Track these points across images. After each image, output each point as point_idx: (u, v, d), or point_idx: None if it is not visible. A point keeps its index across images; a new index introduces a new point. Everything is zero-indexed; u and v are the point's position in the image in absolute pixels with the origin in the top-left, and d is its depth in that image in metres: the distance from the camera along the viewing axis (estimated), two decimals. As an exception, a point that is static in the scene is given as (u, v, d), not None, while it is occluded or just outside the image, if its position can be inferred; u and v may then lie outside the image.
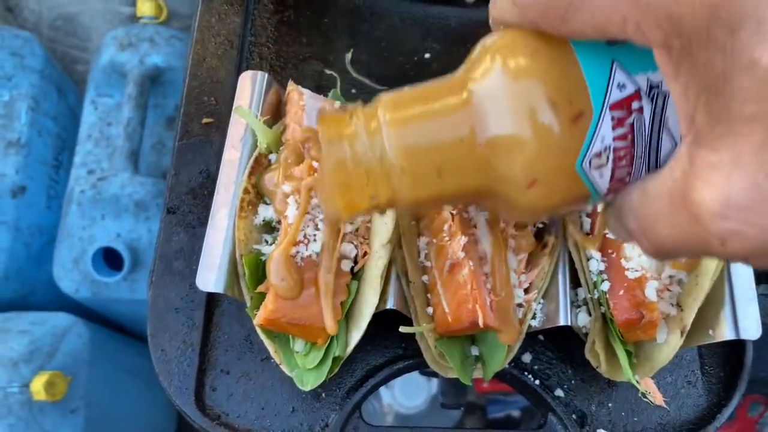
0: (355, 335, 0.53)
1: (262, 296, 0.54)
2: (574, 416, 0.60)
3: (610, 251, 0.55)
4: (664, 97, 0.30)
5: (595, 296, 0.55)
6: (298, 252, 0.53)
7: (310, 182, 0.54)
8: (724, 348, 0.63)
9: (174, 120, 1.37)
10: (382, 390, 1.37)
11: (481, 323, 0.51)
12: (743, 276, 0.55)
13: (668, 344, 0.55)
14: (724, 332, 0.54)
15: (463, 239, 0.53)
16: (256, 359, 0.60)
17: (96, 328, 1.27)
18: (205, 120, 0.67)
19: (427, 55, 0.75)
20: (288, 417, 0.58)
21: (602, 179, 0.31)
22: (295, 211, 0.54)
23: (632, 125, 0.30)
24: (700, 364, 0.63)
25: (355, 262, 0.56)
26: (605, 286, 0.55)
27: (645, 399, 0.56)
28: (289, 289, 0.52)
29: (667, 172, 0.28)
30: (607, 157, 0.30)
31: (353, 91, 0.72)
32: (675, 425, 0.60)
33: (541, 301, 0.56)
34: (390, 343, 0.61)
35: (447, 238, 0.54)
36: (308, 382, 0.54)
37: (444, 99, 0.33)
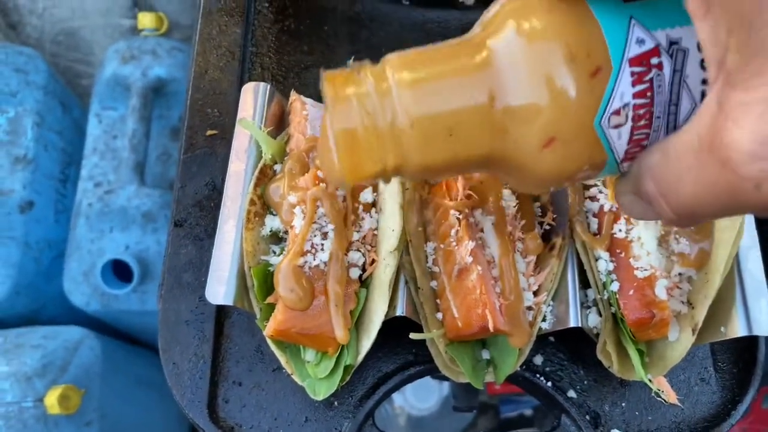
0: (366, 343, 0.53)
1: (272, 307, 0.54)
2: (587, 417, 0.60)
3: (618, 251, 0.55)
4: (684, 54, 0.30)
5: (605, 297, 0.55)
6: (306, 262, 0.53)
7: (316, 192, 0.55)
8: (737, 344, 0.63)
9: (179, 130, 1.37)
10: (394, 393, 1.37)
11: (491, 327, 0.51)
12: (753, 272, 0.55)
13: (680, 342, 0.55)
14: (737, 329, 0.54)
15: (471, 244, 0.53)
16: (268, 370, 0.60)
17: (107, 341, 1.27)
18: (209, 132, 0.67)
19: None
20: (301, 426, 0.58)
21: (620, 140, 0.30)
22: (302, 221, 0.54)
23: (652, 81, 0.29)
24: (713, 361, 0.62)
25: (363, 269, 0.56)
26: (615, 287, 0.54)
27: (658, 398, 0.56)
28: (298, 300, 0.52)
29: (691, 126, 0.27)
30: (626, 115, 0.30)
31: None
32: (690, 423, 0.60)
33: (551, 303, 0.56)
34: (401, 350, 0.61)
35: (454, 243, 0.54)
36: (320, 391, 0.54)
37: (459, 60, 0.32)
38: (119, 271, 1.24)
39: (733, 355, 0.63)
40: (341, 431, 0.58)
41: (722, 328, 0.55)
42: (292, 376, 0.55)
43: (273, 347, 0.55)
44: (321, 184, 0.55)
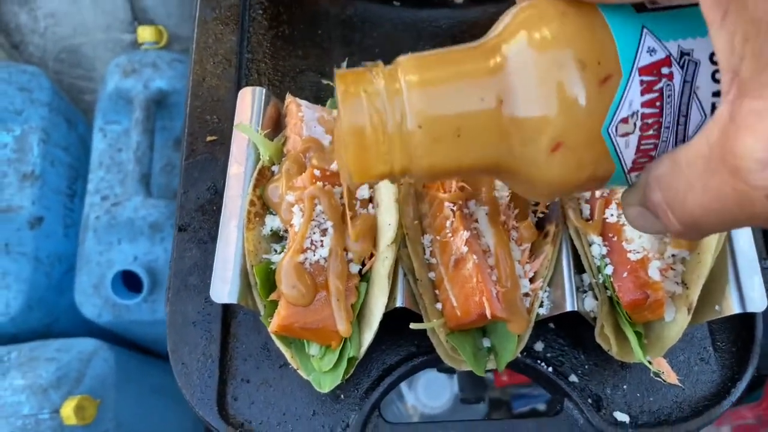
0: (368, 335, 0.55)
1: (275, 304, 0.55)
2: (590, 400, 0.61)
3: (610, 235, 0.56)
4: (696, 65, 0.30)
5: (600, 280, 0.56)
6: (306, 259, 0.55)
7: (313, 190, 0.56)
8: (734, 323, 0.64)
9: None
10: (406, 391, 1.38)
11: (488, 314, 0.52)
12: (745, 250, 0.56)
13: (676, 322, 0.56)
14: (731, 306, 0.55)
15: (466, 234, 0.54)
16: (275, 366, 0.62)
17: (120, 351, 1.29)
18: (209, 138, 0.69)
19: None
20: (309, 420, 0.60)
21: (628, 149, 0.31)
22: (301, 219, 0.56)
23: (661, 91, 0.30)
24: (712, 340, 0.63)
25: (363, 264, 0.57)
26: (609, 270, 0.56)
27: (658, 378, 0.57)
28: (300, 296, 0.53)
29: (702, 135, 0.27)
30: (635, 124, 0.30)
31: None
32: (691, 402, 0.61)
33: (547, 288, 0.57)
34: (403, 342, 0.62)
35: (450, 234, 0.56)
36: (325, 384, 0.56)
37: (470, 64, 0.32)
38: (129, 281, 1.26)
39: (732, 334, 0.64)
40: (349, 423, 0.60)
41: (717, 307, 0.56)
42: (298, 370, 0.57)
43: (278, 343, 0.56)
44: (318, 182, 0.57)
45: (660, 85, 0.30)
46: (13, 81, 1.36)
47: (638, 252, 0.55)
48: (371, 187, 0.59)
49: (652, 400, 0.61)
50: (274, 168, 0.61)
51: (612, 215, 0.56)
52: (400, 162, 0.32)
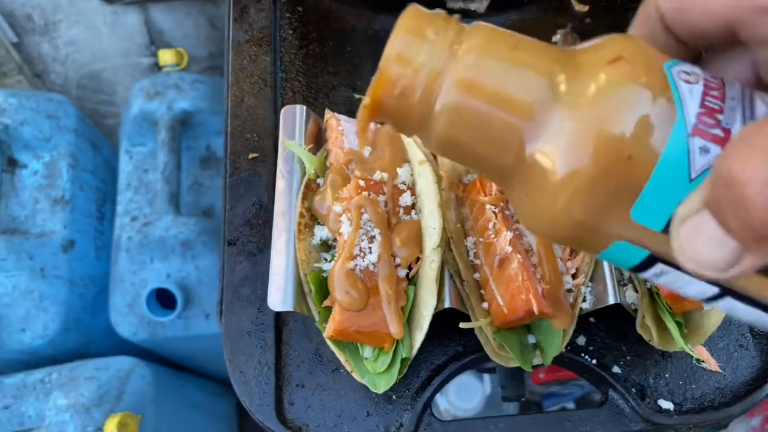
0: (419, 336, 0.57)
1: (329, 310, 0.58)
2: (634, 390, 0.63)
3: (648, 229, 0.58)
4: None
5: (640, 273, 0.58)
6: (356, 265, 0.57)
7: (360, 200, 0.59)
8: (770, 308, 0.65)
9: (208, 159, 1.42)
10: (438, 397, 1.40)
11: (536, 311, 0.54)
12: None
13: (716, 311, 0.58)
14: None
15: (509, 234, 0.57)
16: (327, 371, 0.64)
17: (156, 368, 1.32)
18: (251, 155, 0.72)
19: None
20: (364, 421, 0.62)
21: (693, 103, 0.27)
22: (349, 227, 0.58)
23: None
24: (750, 327, 0.65)
25: (410, 268, 0.59)
26: (648, 262, 0.58)
27: (700, 364, 0.59)
28: (354, 301, 0.56)
29: None
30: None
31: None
32: (732, 388, 0.63)
33: (590, 284, 0.60)
34: (449, 342, 0.65)
35: (493, 236, 0.58)
36: (380, 385, 0.58)
37: (537, 58, 0.30)
38: (162, 299, 1.29)
39: (768, 319, 0.65)
40: (402, 422, 0.62)
41: (755, 293, 0.57)
42: (352, 373, 0.59)
43: (332, 347, 0.59)
44: (362, 192, 0.59)
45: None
46: (41, 109, 1.39)
47: (676, 244, 0.56)
48: (413, 194, 0.62)
49: (695, 387, 0.63)
50: (319, 180, 0.63)
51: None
52: (419, 116, 0.31)
